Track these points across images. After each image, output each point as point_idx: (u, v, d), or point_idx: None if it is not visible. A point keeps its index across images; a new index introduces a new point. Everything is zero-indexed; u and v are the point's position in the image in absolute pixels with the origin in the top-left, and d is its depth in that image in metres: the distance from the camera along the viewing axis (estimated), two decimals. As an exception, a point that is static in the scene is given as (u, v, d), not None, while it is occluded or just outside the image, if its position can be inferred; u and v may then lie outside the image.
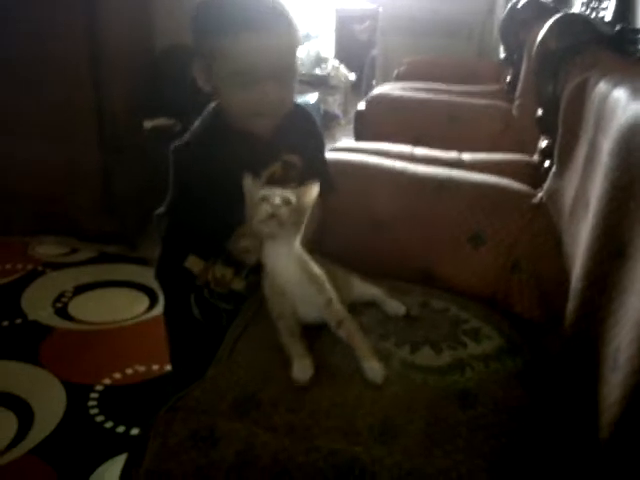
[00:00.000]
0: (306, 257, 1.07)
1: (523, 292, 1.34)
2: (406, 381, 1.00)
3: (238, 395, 0.97)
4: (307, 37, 4.87)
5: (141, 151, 2.77)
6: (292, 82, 1.20)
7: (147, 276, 2.32)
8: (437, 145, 1.95)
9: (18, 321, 2.19)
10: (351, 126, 2.81)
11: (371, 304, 1.19)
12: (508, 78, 2.76)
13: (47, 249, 2.70)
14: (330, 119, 4.67)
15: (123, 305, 2.31)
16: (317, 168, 1.29)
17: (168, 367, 1.52)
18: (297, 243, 1.06)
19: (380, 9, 4.44)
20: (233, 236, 1.14)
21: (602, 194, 1.04)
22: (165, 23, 3.07)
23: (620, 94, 1.10)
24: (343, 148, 1.84)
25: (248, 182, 1.05)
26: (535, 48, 1.59)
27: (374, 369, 1.00)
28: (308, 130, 1.34)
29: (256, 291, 1.23)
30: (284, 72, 1.17)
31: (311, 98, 4.15)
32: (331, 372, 1.01)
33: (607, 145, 1.07)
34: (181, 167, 1.21)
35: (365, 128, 2.50)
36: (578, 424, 0.97)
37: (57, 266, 2.57)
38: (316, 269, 1.07)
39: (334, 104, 4.82)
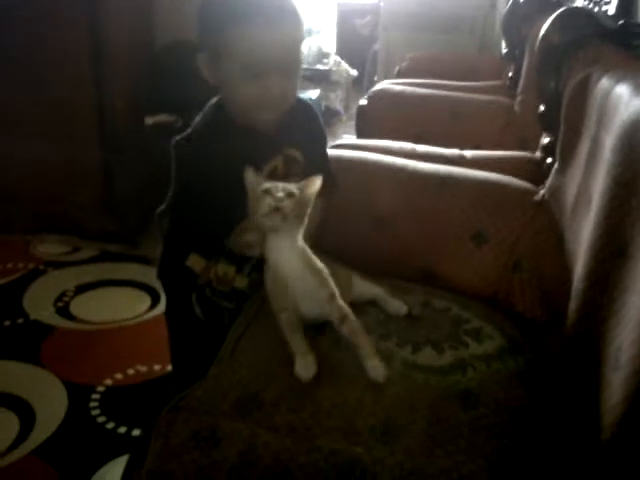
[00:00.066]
0: (309, 251, 1.07)
1: (525, 291, 1.33)
2: (408, 381, 1.00)
3: (240, 395, 0.97)
4: (309, 32, 4.87)
5: (142, 148, 2.77)
6: (296, 76, 1.20)
7: (149, 275, 2.32)
8: (439, 141, 1.94)
9: (20, 321, 2.19)
10: (353, 122, 2.81)
11: (372, 303, 1.19)
12: (510, 74, 2.75)
13: (48, 248, 2.70)
14: (331, 115, 4.66)
15: (125, 304, 2.31)
16: (319, 164, 1.29)
17: (170, 367, 1.52)
18: (300, 237, 1.06)
19: (381, 4, 4.43)
20: (235, 231, 1.13)
21: (604, 191, 1.04)
22: (166, 19, 3.07)
23: (623, 90, 1.09)
24: (345, 145, 1.83)
25: (250, 175, 1.05)
26: (537, 43, 1.58)
27: (376, 368, 0.99)
28: (310, 126, 1.33)
29: (259, 289, 1.23)
30: (289, 66, 1.17)
31: (312, 94, 4.15)
32: (332, 372, 1.01)
33: (609, 141, 1.06)
34: (182, 163, 1.20)
35: (367, 124, 2.50)
36: (580, 424, 0.96)
37: (58, 265, 2.57)
38: (319, 263, 1.07)
39: (335, 100, 4.81)
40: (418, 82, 2.77)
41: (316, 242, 1.13)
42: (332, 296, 1.05)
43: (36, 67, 2.59)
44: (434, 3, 4.16)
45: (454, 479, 0.85)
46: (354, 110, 2.82)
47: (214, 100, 1.26)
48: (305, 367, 0.99)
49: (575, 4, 2.17)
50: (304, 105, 1.34)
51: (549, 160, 1.55)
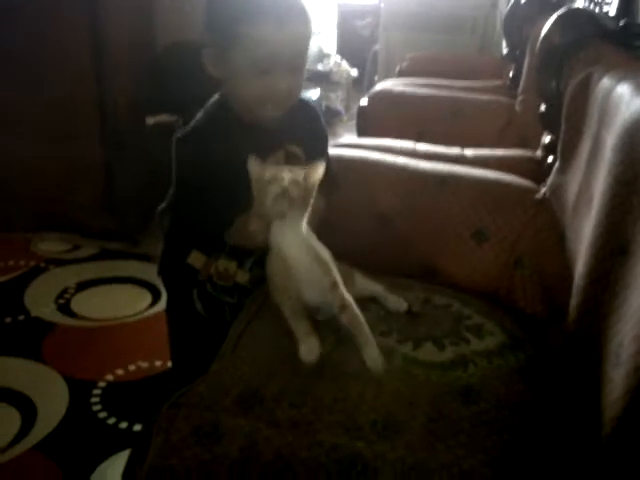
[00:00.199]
0: (313, 239, 1.07)
1: (526, 288, 1.34)
2: (409, 377, 1.00)
3: (242, 391, 0.97)
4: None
5: (143, 148, 2.77)
6: (302, 73, 1.21)
7: (149, 272, 2.32)
8: (440, 141, 1.94)
9: (21, 317, 2.19)
10: (353, 122, 2.81)
11: (373, 300, 1.19)
12: (511, 73, 2.76)
13: (49, 246, 2.70)
14: (332, 115, 4.66)
15: (125, 301, 2.31)
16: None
17: (170, 364, 1.52)
18: (304, 224, 1.06)
19: (382, 4, 4.43)
20: (236, 223, 1.13)
21: (605, 190, 1.04)
22: (166, 20, 3.06)
23: (624, 89, 1.10)
24: (345, 144, 1.84)
25: (253, 164, 1.05)
26: (538, 43, 1.59)
27: (374, 357, 1.00)
28: (312, 125, 1.34)
29: (260, 284, 1.24)
30: (296, 63, 1.18)
31: (313, 94, 4.14)
32: (334, 368, 1.02)
33: (611, 140, 1.06)
34: (182, 160, 1.20)
35: (367, 124, 2.50)
36: (580, 420, 0.97)
37: (60, 262, 2.57)
38: (323, 251, 1.07)
39: (336, 100, 4.81)
40: (419, 82, 2.77)
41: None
42: (334, 284, 1.05)
43: (37, 65, 2.58)
44: (434, 3, 4.16)
45: (455, 474, 0.85)
46: (355, 110, 2.83)
47: (216, 96, 1.26)
48: (309, 350, 1.01)
49: (576, 5, 2.17)
50: (306, 104, 1.34)
51: (550, 159, 1.56)
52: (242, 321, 1.19)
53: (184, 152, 1.20)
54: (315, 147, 1.32)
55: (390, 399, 0.96)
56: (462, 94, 2.59)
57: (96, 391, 1.83)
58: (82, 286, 2.40)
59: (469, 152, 1.84)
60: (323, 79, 4.65)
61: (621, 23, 1.55)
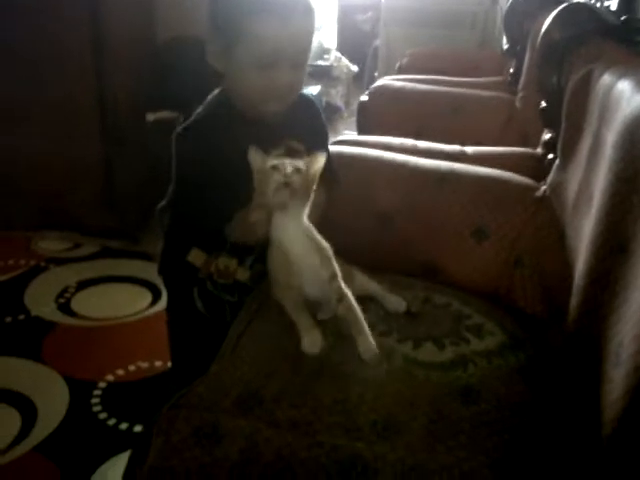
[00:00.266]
0: (314, 230, 1.07)
1: (526, 287, 1.33)
2: (409, 377, 1.00)
3: (242, 391, 0.97)
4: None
5: (143, 145, 2.77)
6: (304, 69, 1.21)
7: (150, 271, 2.33)
8: (440, 137, 1.94)
9: (21, 317, 2.19)
10: (353, 118, 2.81)
11: (372, 300, 1.19)
12: (511, 69, 2.75)
13: (50, 244, 2.70)
14: (332, 111, 4.65)
15: (126, 301, 2.31)
16: None
17: (170, 364, 1.52)
18: (305, 215, 1.06)
19: (382, -1, 4.42)
20: (237, 216, 1.13)
21: (606, 187, 1.03)
22: (167, 15, 3.06)
23: (625, 86, 1.09)
24: (345, 141, 1.83)
25: (255, 154, 1.04)
26: (539, 39, 1.58)
27: (367, 345, 1.01)
28: (312, 121, 1.33)
29: (260, 281, 1.24)
30: (299, 58, 1.18)
31: (313, 90, 4.14)
32: (334, 368, 1.01)
33: (611, 137, 1.06)
34: (183, 158, 1.20)
35: (368, 120, 2.50)
36: (581, 420, 0.96)
37: (60, 261, 2.57)
38: (323, 243, 1.07)
39: (336, 96, 4.80)
40: (419, 78, 2.76)
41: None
42: (333, 275, 1.05)
43: (37, 62, 2.58)
44: (435, -1, 4.16)
45: (455, 475, 0.85)
46: (355, 106, 2.82)
47: (217, 91, 1.26)
48: (312, 342, 1.02)
49: (576, -1, 2.16)
50: (306, 100, 1.34)
51: (550, 156, 1.55)
52: (242, 321, 1.18)
53: (184, 148, 1.20)
54: (315, 143, 1.31)
55: (390, 400, 0.96)
56: (462, 90, 2.58)
57: (96, 392, 1.83)
58: (82, 285, 2.40)
59: (469, 149, 1.83)
60: (323, 75, 4.64)
61: (622, 18, 1.54)
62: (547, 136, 1.62)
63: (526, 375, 1.05)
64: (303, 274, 1.06)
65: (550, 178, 1.45)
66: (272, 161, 1.03)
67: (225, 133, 1.18)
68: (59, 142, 2.66)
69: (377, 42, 4.72)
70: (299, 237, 1.05)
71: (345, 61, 5.01)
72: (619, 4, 1.67)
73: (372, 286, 1.19)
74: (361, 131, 2.46)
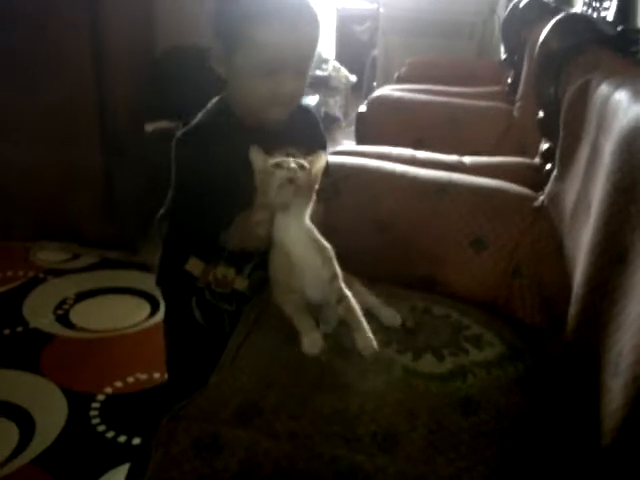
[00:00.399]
0: (315, 232, 1.07)
1: (524, 298, 1.33)
2: (408, 388, 1.00)
3: (241, 402, 0.97)
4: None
5: (142, 155, 2.76)
6: (307, 76, 1.21)
7: (148, 283, 2.32)
8: (439, 147, 1.95)
9: (19, 329, 2.18)
10: (352, 128, 2.81)
11: (368, 313, 1.18)
12: (509, 79, 2.76)
13: (48, 255, 2.70)
14: (331, 121, 4.66)
15: (125, 312, 2.30)
16: None
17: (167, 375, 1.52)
18: (307, 216, 1.06)
19: (381, 9, 4.44)
20: (235, 222, 1.12)
21: (603, 197, 1.04)
22: (166, 24, 3.07)
23: (622, 96, 1.10)
24: (344, 151, 1.84)
25: (256, 153, 1.04)
26: (537, 48, 1.59)
27: (366, 339, 1.01)
28: (311, 131, 1.33)
29: (259, 290, 1.23)
30: (303, 65, 1.18)
31: (312, 100, 4.15)
32: (333, 379, 1.01)
33: (609, 147, 1.06)
34: (183, 164, 1.20)
35: (366, 130, 2.50)
36: (580, 430, 0.96)
37: (58, 273, 2.56)
38: (325, 243, 1.07)
39: (335, 106, 4.81)
40: (417, 88, 2.78)
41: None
42: (334, 276, 1.05)
43: (36, 70, 2.58)
44: (433, 8, 4.17)
45: (455, 487, 0.85)
46: (353, 116, 2.82)
47: (217, 98, 1.26)
48: (312, 343, 1.02)
49: (574, 10, 2.18)
50: (305, 110, 1.34)
51: (548, 166, 1.56)
52: (241, 332, 1.18)
53: (184, 154, 1.19)
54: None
55: (390, 410, 0.95)
56: (461, 100, 2.60)
57: (95, 404, 1.82)
58: (81, 297, 2.39)
59: (467, 160, 1.84)
60: (322, 85, 4.65)
61: (619, 28, 1.55)
62: (545, 146, 1.62)
63: (525, 386, 1.04)
64: (305, 275, 1.06)
65: (548, 188, 1.46)
66: (275, 159, 1.03)
67: (224, 140, 1.18)
68: (58, 151, 2.66)
69: (375, 52, 4.74)
70: (301, 238, 1.05)
71: (343, 71, 5.02)
72: (615, 15, 1.68)
73: (369, 299, 1.19)
74: (360, 141, 2.47)
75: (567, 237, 1.28)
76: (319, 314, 1.09)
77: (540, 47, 1.57)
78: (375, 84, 4.26)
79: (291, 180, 1.00)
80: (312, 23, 1.17)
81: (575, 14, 1.71)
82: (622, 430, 0.83)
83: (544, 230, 1.36)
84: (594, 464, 0.90)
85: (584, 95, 1.29)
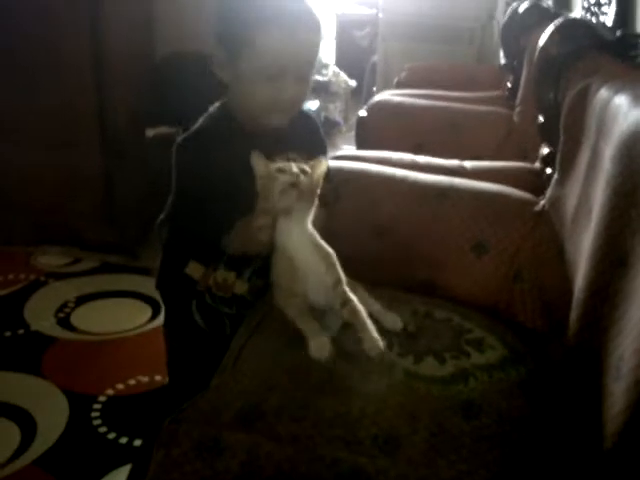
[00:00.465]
0: (318, 237, 1.07)
1: (525, 302, 1.34)
2: (410, 391, 1.00)
3: (243, 405, 0.97)
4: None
5: (142, 160, 2.77)
6: (309, 81, 1.21)
7: (149, 286, 2.30)
8: (439, 152, 1.95)
9: (20, 332, 2.18)
10: (352, 133, 2.81)
11: (370, 317, 1.18)
12: (509, 84, 2.77)
13: (49, 259, 2.70)
14: (331, 126, 4.67)
15: (126, 315, 2.31)
16: None
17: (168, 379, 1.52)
18: (309, 221, 1.06)
19: (380, 15, 4.44)
20: (235, 227, 1.13)
21: (604, 202, 1.04)
22: (166, 30, 3.07)
23: (621, 101, 1.10)
24: (344, 156, 1.84)
25: (257, 158, 1.05)
26: (536, 54, 1.59)
27: (373, 340, 1.01)
28: (312, 137, 1.34)
29: (259, 294, 1.24)
30: (305, 70, 1.18)
31: (312, 105, 4.15)
32: (335, 382, 1.01)
33: (609, 152, 1.06)
34: (183, 169, 1.20)
35: (367, 135, 2.51)
36: (582, 434, 0.96)
37: (59, 276, 2.57)
38: (328, 249, 1.07)
39: (335, 111, 4.82)
40: (417, 93, 2.78)
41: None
42: (338, 281, 1.05)
43: (37, 76, 2.59)
44: (433, 14, 4.18)
45: (456, 490, 0.85)
46: (353, 121, 2.83)
47: (218, 103, 1.26)
48: (320, 347, 1.01)
49: (573, 15, 2.18)
50: (306, 116, 1.34)
51: (549, 171, 1.56)
52: (243, 334, 1.18)
53: (184, 159, 1.19)
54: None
55: (391, 413, 0.96)
56: (461, 105, 2.60)
57: (96, 405, 1.83)
58: (82, 300, 2.39)
59: (468, 164, 1.84)
60: (321, 90, 4.65)
61: (618, 34, 1.56)
62: (545, 151, 1.63)
63: (527, 389, 1.04)
64: (308, 280, 1.06)
65: (549, 192, 1.46)
66: (277, 164, 1.03)
67: (225, 146, 1.18)
68: (59, 154, 2.66)
69: (375, 57, 4.75)
70: (304, 243, 1.06)
71: (343, 76, 5.03)
72: (614, 20, 1.69)
73: (371, 303, 1.19)
74: (360, 146, 2.47)
75: (568, 241, 1.28)
76: (321, 319, 1.09)
77: (539, 52, 1.57)
78: (375, 89, 4.27)
79: (294, 185, 1.01)
80: (312, 29, 1.17)
81: (574, 19, 1.71)
82: (624, 434, 0.83)
83: (545, 234, 1.36)
84: (596, 468, 0.90)
85: (584, 100, 1.30)
